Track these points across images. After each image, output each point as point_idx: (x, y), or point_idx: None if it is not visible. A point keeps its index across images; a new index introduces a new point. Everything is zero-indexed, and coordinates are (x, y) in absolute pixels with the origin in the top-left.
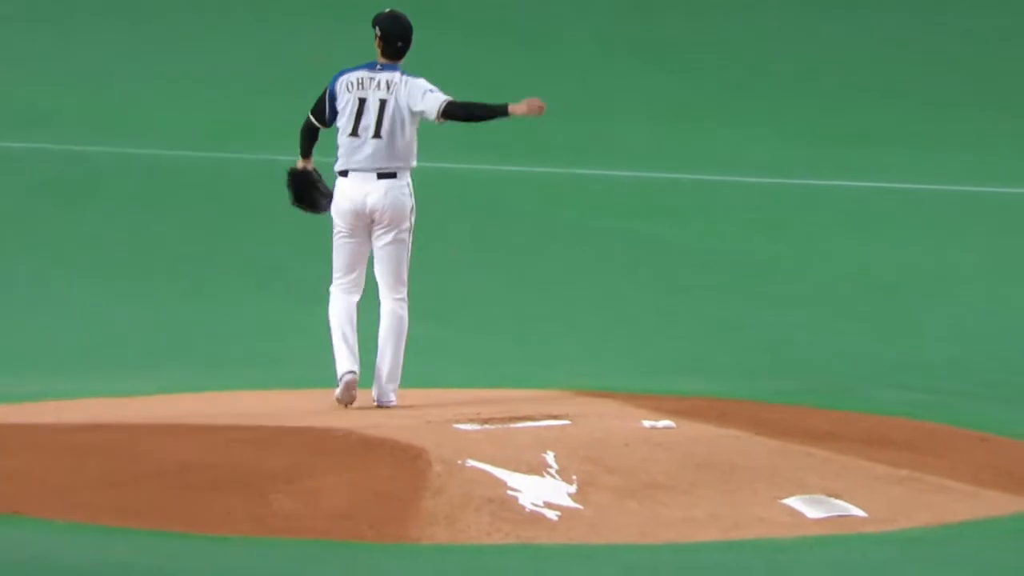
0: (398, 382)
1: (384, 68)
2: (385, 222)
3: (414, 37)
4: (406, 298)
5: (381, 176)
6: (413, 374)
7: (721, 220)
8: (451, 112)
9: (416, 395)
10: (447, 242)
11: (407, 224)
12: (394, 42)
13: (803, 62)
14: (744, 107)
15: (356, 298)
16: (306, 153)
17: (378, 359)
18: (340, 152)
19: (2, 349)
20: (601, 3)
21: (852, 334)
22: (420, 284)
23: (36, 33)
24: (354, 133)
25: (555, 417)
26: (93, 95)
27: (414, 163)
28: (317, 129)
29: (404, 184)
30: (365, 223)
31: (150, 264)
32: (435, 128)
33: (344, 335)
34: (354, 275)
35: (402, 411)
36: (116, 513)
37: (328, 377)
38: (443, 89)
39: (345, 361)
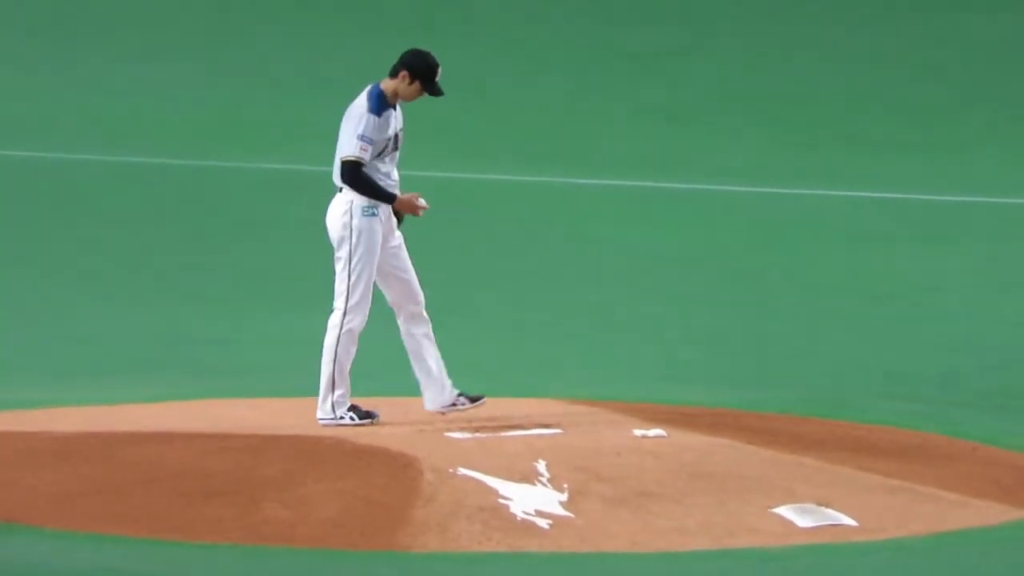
0: (326, 402)
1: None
2: (330, 238)
3: (411, 51)
4: (339, 322)
5: (338, 190)
6: (405, 384)
7: (713, 229)
8: (347, 173)
9: (408, 404)
10: (437, 252)
11: (343, 248)
12: None
13: (794, 71)
14: (735, 116)
15: (400, 320)
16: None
17: None
18: None
19: None
20: (593, 10)
21: (843, 343)
22: None
23: (33, 42)
24: None
25: (546, 426)
26: (88, 105)
27: None
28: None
29: (344, 203)
30: None
31: (144, 273)
32: (425, 138)
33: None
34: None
35: (394, 419)
36: (109, 521)
37: (319, 385)
38: (365, 146)
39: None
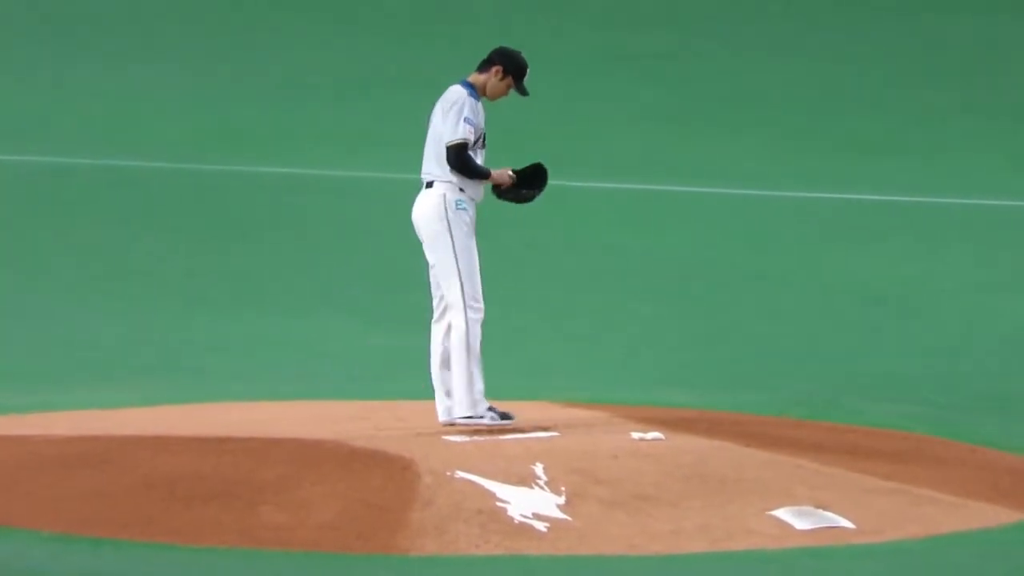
0: (466, 397)
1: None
2: (422, 237)
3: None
4: (462, 312)
5: (427, 185)
6: (404, 387)
7: (709, 231)
8: (453, 156)
9: (407, 407)
10: None
11: (443, 240)
12: None
13: (789, 73)
14: (731, 119)
15: (437, 324)
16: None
17: None
18: None
19: None
20: (589, 14)
21: (840, 346)
22: (408, 297)
23: (27, 46)
24: None
25: (544, 429)
26: (84, 108)
27: (454, 178)
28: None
29: (438, 195)
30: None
31: (138, 276)
32: (423, 140)
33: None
34: (436, 295)
35: (392, 423)
36: (105, 524)
37: (315, 389)
38: (470, 128)
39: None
